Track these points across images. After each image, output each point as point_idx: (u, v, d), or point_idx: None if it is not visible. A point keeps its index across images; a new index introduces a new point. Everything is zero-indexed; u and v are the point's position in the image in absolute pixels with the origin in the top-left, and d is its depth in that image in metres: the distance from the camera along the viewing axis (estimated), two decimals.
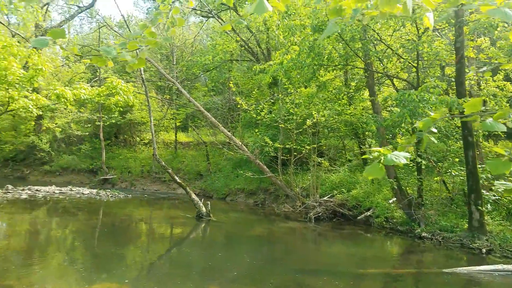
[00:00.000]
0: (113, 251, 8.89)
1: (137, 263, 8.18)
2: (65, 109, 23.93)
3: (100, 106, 26.92)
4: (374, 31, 12.90)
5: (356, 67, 15.25)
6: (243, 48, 23.86)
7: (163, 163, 15.76)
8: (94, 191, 20.69)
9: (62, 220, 12.97)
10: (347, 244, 11.59)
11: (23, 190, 18.49)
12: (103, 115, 25.39)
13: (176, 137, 28.62)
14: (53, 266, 7.29)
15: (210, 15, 24.19)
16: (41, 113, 7.45)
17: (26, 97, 7.54)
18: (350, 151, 19.71)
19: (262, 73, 16.58)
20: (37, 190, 18.99)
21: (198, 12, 24.98)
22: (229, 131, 20.62)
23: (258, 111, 17.80)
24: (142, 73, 16.54)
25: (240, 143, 19.28)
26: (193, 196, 15.34)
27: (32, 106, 7.16)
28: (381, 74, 14.84)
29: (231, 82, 19.89)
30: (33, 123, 28.10)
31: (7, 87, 6.71)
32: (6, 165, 27.84)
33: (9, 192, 17.41)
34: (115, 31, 29.89)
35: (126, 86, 7.87)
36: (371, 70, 13.74)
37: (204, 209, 14.54)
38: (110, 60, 2.18)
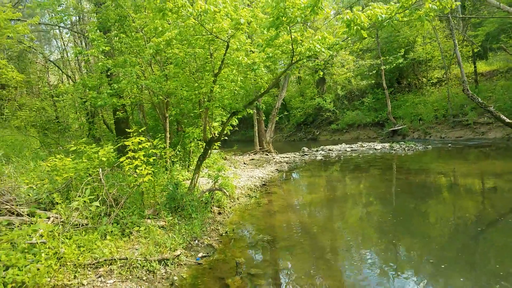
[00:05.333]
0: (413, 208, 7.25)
1: (442, 223, 6.75)
2: (344, 64, 22.46)
3: (379, 48, 24.14)
4: None
5: None
6: None
7: (479, 99, 11.12)
8: (387, 145, 18.31)
9: (362, 180, 11.10)
10: None
11: (317, 151, 18.43)
12: (385, 57, 22.36)
13: (475, 66, 21.95)
14: (352, 220, 7.23)
15: None
16: (331, 53, 4.78)
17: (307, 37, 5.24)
18: None
19: None
20: (329, 150, 18.55)
21: None
22: None
23: None
24: None
25: None
26: None
27: (320, 46, 4.61)
28: None
29: None
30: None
31: (288, 25, 4.52)
32: (299, 129, 30.13)
33: (306, 154, 17.60)
34: None
35: None
36: None
37: None
38: None
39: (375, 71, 24.68)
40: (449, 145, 17.15)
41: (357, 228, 6.92)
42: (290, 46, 5.60)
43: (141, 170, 5.91)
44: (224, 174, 8.54)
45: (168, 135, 9.98)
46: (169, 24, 6.46)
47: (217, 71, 6.62)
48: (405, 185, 10.19)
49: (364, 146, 18.78)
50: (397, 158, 14.86)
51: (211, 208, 7.47)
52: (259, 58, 6.00)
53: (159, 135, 9.60)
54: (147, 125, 10.78)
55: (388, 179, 11.17)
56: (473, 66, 22.26)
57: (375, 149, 17.78)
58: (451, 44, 23.13)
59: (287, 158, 16.58)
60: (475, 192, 9.04)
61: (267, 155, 17.69)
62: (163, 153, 8.72)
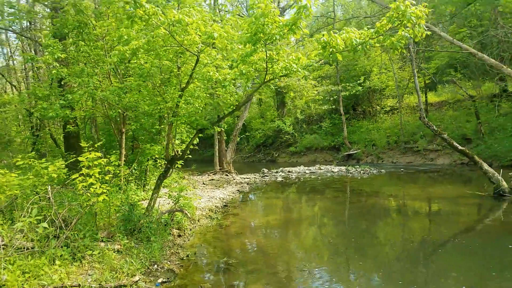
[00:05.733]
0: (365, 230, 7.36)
1: (392, 244, 6.97)
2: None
3: (339, 76, 25.11)
4: None
5: None
6: None
7: (434, 127, 11.65)
8: (343, 168, 18.70)
9: (318, 201, 11.11)
10: None
11: (277, 172, 18.38)
12: (344, 84, 23.14)
13: (426, 97, 23.42)
14: (307, 241, 7.34)
15: None
16: (306, 73, 4.70)
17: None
18: None
19: None
20: (289, 172, 18.57)
21: None
22: None
23: None
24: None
25: None
26: (486, 166, 11.13)
27: (296, 66, 4.51)
28: None
29: None
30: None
31: (264, 42, 4.38)
32: (259, 150, 30.15)
33: (266, 176, 17.47)
34: None
35: (420, 10, 4.18)
36: None
37: (504, 183, 10.44)
38: None
39: (334, 97, 25.55)
40: (402, 169, 17.87)
41: (312, 249, 6.88)
42: (264, 64, 5.46)
43: (96, 188, 5.37)
44: (186, 194, 8.10)
45: (123, 151, 9.36)
46: (135, 33, 6.11)
47: (184, 85, 6.32)
48: (360, 207, 10.35)
49: (322, 169, 19.03)
50: (354, 181, 15.15)
51: (171, 230, 6.97)
52: (231, 75, 5.80)
53: (113, 151, 8.99)
54: (100, 141, 10.08)
55: (344, 201, 11.33)
56: (424, 96, 23.69)
57: (333, 171, 18.07)
58: (404, 75, 24.58)
59: (248, 179, 16.32)
60: (424, 215, 9.40)
61: (227, 175, 17.32)
62: (117, 171, 8.12)
